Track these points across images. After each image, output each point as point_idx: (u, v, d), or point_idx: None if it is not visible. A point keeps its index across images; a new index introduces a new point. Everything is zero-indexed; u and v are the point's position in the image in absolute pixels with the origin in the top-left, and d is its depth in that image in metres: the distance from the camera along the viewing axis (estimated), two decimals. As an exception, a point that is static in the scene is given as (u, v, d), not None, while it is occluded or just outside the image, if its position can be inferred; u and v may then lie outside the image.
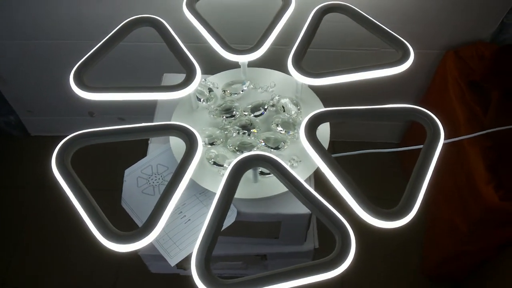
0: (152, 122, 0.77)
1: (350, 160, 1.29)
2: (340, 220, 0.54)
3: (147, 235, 0.53)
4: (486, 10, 0.93)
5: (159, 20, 0.75)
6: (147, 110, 1.22)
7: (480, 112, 0.87)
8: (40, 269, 1.17)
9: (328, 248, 1.15)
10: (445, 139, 0.85)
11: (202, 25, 0.75)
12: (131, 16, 0.76)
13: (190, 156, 0.59)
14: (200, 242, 0.53)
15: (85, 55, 0.72)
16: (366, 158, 1.29)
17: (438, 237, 1.00)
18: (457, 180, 0.90)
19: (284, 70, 0.83)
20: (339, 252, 0.52)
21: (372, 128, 1.34)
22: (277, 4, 0.79)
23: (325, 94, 0.80)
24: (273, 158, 0.58)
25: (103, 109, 1.27)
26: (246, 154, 0.59)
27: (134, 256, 0.86)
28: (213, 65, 0.80)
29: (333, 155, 0.63)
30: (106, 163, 1.21)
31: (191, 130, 0.61)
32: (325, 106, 0.76)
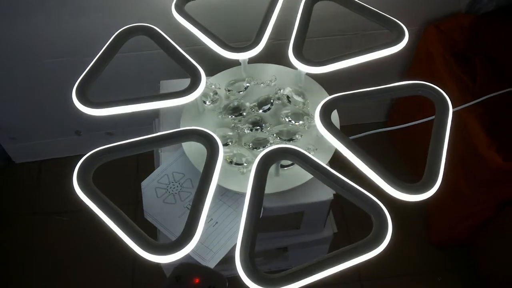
0: (150, 131, 0.75)
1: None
2: (373, 200, 0.55)
3: (187, 244, 0.53)
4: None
5: (152, 28, 0.74)
6: (137, 121, 1.21)
7: (469, 81, 0.91)
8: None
9: (342, 231, 1.17)
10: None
11: (196, 27, 0.75)
12: (115, 30, 0.74)
13: (214, 159, 0.59)
14: (242, 240, 0.53)
15: (84, 72, 0.70)
16: (358, 140, 1.33)
17: (442, 205, 1.03)
18: (455, 148, 0.93)
19: (281, 63, 0.84)
20: (378, 230, 0.53)
21: (358, 111, 1.36)
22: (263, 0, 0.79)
23: (321, 80, 0.81)
24: (296, 149, 0.59)
25: (90, 127, 1.24)
26: (269, 148, 0.59)
27: (149, 268, 0.85)
28: (211, 66, 0.80)
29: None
30: (114, 180, 1.19)
31: (210, 134, 0.61)
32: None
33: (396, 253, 1.18)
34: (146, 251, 0.52)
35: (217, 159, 0.59)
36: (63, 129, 1.22)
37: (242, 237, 0.53)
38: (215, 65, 0.80)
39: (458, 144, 0.93)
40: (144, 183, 0.70)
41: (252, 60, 0.79)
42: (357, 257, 0.52)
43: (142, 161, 1.27)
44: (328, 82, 0.93)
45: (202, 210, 0.55)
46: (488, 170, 0.82)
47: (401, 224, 1.17)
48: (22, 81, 1.05)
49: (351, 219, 1.20)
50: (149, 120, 0.95)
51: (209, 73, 0.82)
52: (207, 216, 0.66)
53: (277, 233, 0.80)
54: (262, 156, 0.59)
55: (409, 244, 1.18)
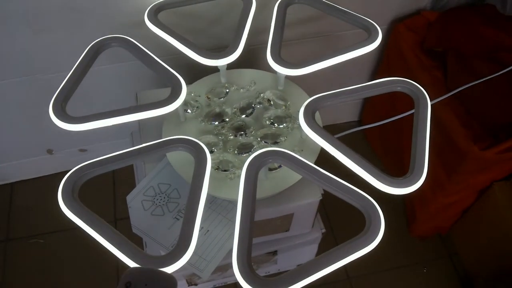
0: (127, 145, 0.74)
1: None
2: (364, 196, 0.56)
3: (184, 255, 0.52)
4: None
5: (128, 39, 0.73)
6: (111, 135, 1.18)
7: (440, 75, 0.94)
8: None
9: (331, 229, 1.18)
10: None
11: (171, 36, 0.74)
12: (85, 43, 0.72)
13: (202, 167, 0.59)
14: (238, 246, 0.52)
15: (59, 87, 0.68)
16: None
17: (422, 197, 1.06)
18: (434, 140, 0.96)
19: (260, 67, 0.84)
20: (371, 226, 0.54)
21: (333, 111, 1.38)
22: (238, 5, 0.79)
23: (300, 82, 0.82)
24: (285, 151, 0.59)
25: (62, 144, 1.20)
26: (257, 152, 0.59)
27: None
28: (189, 74, 0.79)
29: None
30: (97, 196, 1.15)
31: (197, 142, 0.61)
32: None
33: (380, 248, 1.21)
34: (141, 264, 0.51)
35: (205, 167, 0.59)
36: (34, 148, 1.18)
37: (238, 243, 0.53)
38: (193, 73, 0.80)
39: (435, 137, 0.95)
40: (129, 197, 0.69)
41: (230, 66, 0.79)
42: (354, 252, 0.52)
43: (118, 176, 1.24)
44: (305, 85, 0.94)
45: (195, 220, 0.54)
46: (466, 160, 0.85)
47: (385, 220, 1.21)
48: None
49: (334, 218, 1.21)
50: (124, 133, 0.94)
51: (188, 82, 0.81)
52: (198, 225, 0.66)
53: (267, 237, 0.80)
54: (251, 161, 0.59)
55: (392, 239, 1.20)
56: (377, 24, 1.08)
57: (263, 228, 0.76)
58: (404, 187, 0.58)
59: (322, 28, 1.04)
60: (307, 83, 0.93)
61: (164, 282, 0.48)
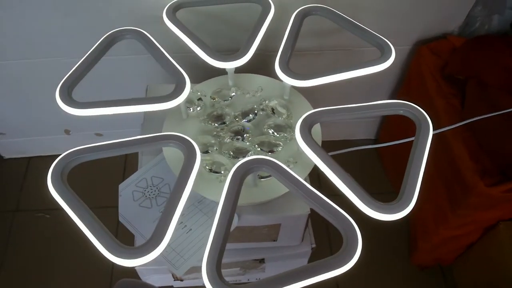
0: (138, 134, 0.76)
1: (335, 158, 1.32)
2: (344, 216, 0.55)
3: (156, 249, 0.52)
4: (453, 4, 0.97)
5: (142, 32, 0.75)
6: (126, 123, 1.21)
7: (458, 103, 0.91)
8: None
9: (324, 246, 1.17)
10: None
11: (185, 34, 0.75)
12: (106, 32, 0.75)
13: (190, 165, 0.59)
14: (209, 250, 0.53)
15: (69, 72, 0.70)
16: (345, 156, 1.33)
17: (425, 226, 1.03)
18: (440, 169, 0.93)
19: (269, 74, 0.85)
20: (347, 247, 0.53)
21: (348, 127, 1.37)
22: (256, 10, 0.80)
23: (305, 96, 0.81)
24: (273, 161, 0.59)
25: (79, 126, 1.24)
26: (246, 159, 0.59)
27: (127, 273, 0.84)
28: (199, 73, 0.80)
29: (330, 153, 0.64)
30: (96, 181, 1.18)
31: (188, 140, 0.61)
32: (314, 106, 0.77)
33: (378, 271, 1.19)
34: (113, 254, 0.52)
35: (193, 164, 0.59)
36: (52, 127, 1.22)
37: (211, 247, 0.53)
38: (204, 73, 0.80)
39: (443, 166, 0.93)
40: (121, 186, 0.70)
41: (240, 70, 0.79)
42: (325, 272, 0.51)
43: (130, 165, 1.27)
44: (319, 96, 0.93)
45: (173, 214, 0.55)
46: (471, 195, 0.82)
47: (385, 242, 1.19)
48: (13, 78, 1.06)
49: (335, 236, 1.19)
50: (138, 123, 0.96)
51: (197, 80, 0.82)
52: (181, 223, 0.67)
53: (254, 244, 0.79)
54: (239, 166, 0.59)
55: (391, 263, 1.18)
56: (402, 44, 1.07)
57: (250, 234, 0.76)
58: (389, 214, 0.56)
59: (342, 41, 1.02)
60: (320, 96, 0.93)
61: None
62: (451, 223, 0.93)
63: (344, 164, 1.30)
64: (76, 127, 1.24)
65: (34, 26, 0.93)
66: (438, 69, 0.97)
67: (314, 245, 0.84)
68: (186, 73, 0.70)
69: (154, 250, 0.53)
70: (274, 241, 0.78)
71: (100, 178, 1.18)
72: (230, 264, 0.83)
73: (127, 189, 0.70)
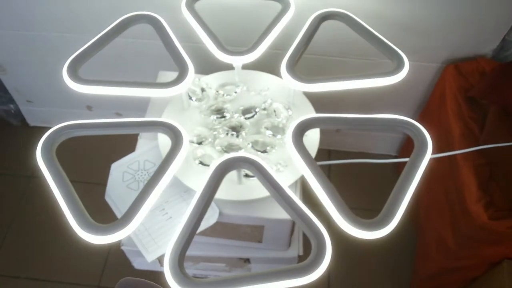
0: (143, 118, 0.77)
1: (346, 170, 1.29)
2: (317, 226, 0.53)
3: (124, 228, 0.53)
4: (488, 26, 0.92)
5: (156, 18, 0.76)
6: (145, 106, 1.23)
7: (476, 128, 0.86)
8: (23, 260, 1.17)
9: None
10: (438, 152, 0.86)
11: (199, 24, 0.75)
12: (132, 12, 0.76)
13: (175, 152, 0.60)
14: (176, 240, 0.53)
15: (80, 48, 0.73)
16: (363, 169, 1.29)
17: (428, 251, 0.98)
18: (448, 194, 0.89)
19: (279, 74, 0.83)
20: (314, 257, 0.51)
21: (369, 139, 1.33)
22: (277, 9, 0.79)
23: (322, 102, 0.79)
24: (256, 161, 0.58)
25: (101, 104, 1.27)
26: (230, 154, 0.59)
27: (119, 253, 0.86)
28: (209, 65, 0.80)
29: (320, 162, 0.62)
30: (98, 156, 1.22)
31: (177, 128, 0.62)
32: (321, 112, 0.75)
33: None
34: (83, 229, 0.53)
35: (178, 152, 0.59)
36: (76, 101, 1.26)
37: (178, 237, 0.53)
38: (213, 65, 0.81)
39: (450, 191, 0.88)
40: (114, 165, 0.72)
41: (251, 67, 0.79)
42: (286, 279, 0.50)
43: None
44: (337, 103, 0.91)
45: (147, 197, 0.55)
46: (474, 227, 0.78)
47: (387, 265, 1.14)
48: (45, 49, 1.10)
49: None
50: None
51: (206, 72, 0.82)
52: (163, 209, 0.67)
53: (239, 242, 0.79)
54: (222, 161, 0.58)
55: (390, 285, 1.14)
56: (430, 61, 1.03)
57: (233, 231, 0.75)
58: (364, 230, 0.54)
59: (366, 51, 1.00)
60: (340, 102, 0.91)
61: None
62: (453, 253, 0.88)
63: (359, 177, 1.27)
64: (97, 105, 1.27)
65: (67, 3, 0.97)
66: (462, 90, 0.92)
67: (301, 253, 0.82)
68: (196, 64, 0.71)
69: (123, 230, 0.53)
70: (259, 242, 0.77)
71: (103, 155, 1.21)
72: (215, 258, 0.83)
73: (118, 169, 0.71)
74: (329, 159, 1.32)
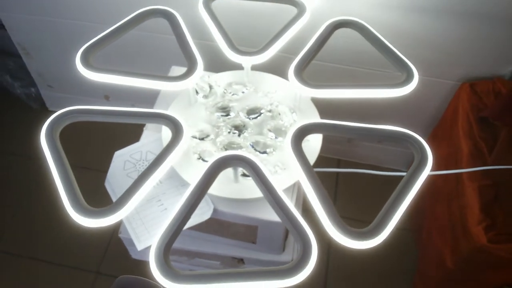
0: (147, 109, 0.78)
1: (353, 181, 1.27)
2: (304, 230, 0.53)
3: (116, 213, 0.54)
4: (507, 47, 0.90)
5: (172, 13, 0.77)
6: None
7: (485, 149, 0.85)
8: (28, 239, 1.20)
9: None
10: (443, 169, 0.84)
11: (213, 23, 0.77)
12: (150, 6, 0.78)
13: (173, 144, 0.61)
14: (163, 231, 0.53)
15: (96, 37, 0.75)
16: (371, 181, 1.28)
17: (428, 270, 0.97)
18: (451, 214, 0.87)
19: (288, 78, 0.84)
20: (298, 260, 0.51)
21: (380, 153, 1.31)
22: (293, 13, 0.79)
23: (331, 109, 0.79)
24: (252, 160, 0.58)
25: (118, 94, 1.30)
26: (228, 152, 0.59)
27: (120, 241, 0.87)
28: (219, 64, 0.81)
29: (316, 169, 0.62)
30: (103, 144, 1.24)
31: (178, 120, 0.63)
32: (327, 119, 0.75)
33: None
34: (76, 212, 0.54)
35: (177, 144, 0.60)
36: (94, 90, 1.29)
37: (166, 228, 0.54)
38: (224, 64, 0.81)
39: (453, 211, 0.87)
40: (117, 153, 0.73)
41: (261, 68, 0.79)
42: (268, 280, 0.50)
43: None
44: (346, 111, 0.90)
45: (142, 186, 0.56)
46: (471, 247, 0.76)
47: (387, 281, 1.12)
48: (67, 36, 1.14)
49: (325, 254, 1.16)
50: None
51: (216, 70, 0.83)
52: (159, 200, 0.68)
53: (234, 241, 0.79)
54: (218, 158, 0.59)
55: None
56: (446, 78, 1.01)
57: (227, 229, 0.75)
58: (353, 240, 0.53)
59: (378, 62, 0.99)
60: (349, 109, 0.90)
61: None
62: (451, 274, 0.86)
63: (366, 189, 1.25)
64: (115, 95, 1.30)
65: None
66: (475, 110, 0.90)
67: (295, 258, 0.81)
68: (207, 61, 0.72)
69: (115, 214, 0.54)
70: (253, 243, 0.78)
71: (109, 143, 1.24)
72: (209, 255, 0.83)
73: (121, 157, 0.72)
74: (338, 167, 1.31)
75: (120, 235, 0.80)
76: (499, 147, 0.84)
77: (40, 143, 0.61)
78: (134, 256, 0.91)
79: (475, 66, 0.96)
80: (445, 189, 0.91)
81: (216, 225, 0.73)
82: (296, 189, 0.71)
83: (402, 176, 0.61)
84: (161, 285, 0.50)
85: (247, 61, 0.73)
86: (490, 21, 0.85)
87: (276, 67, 0.81)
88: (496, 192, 0.79)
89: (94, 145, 1.31)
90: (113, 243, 1.18)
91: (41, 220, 1.23)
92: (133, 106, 1.32)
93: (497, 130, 0.86)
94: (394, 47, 0.73)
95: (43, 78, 1.30)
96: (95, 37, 0.82)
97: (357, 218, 0.89)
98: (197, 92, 0.76)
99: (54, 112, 0.64)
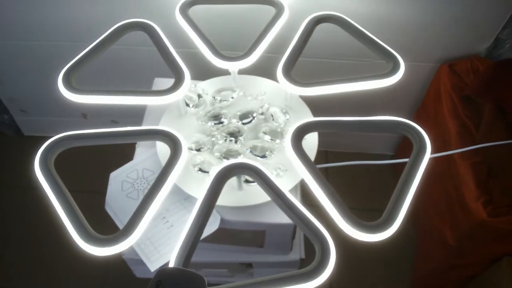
0: (140, 126, 0.77)
1: (343, 170, 1.29)
2: (320, 231, 0.53)
3: (126, 239, 0.53)
4: (481, 25, 0.93)
5: (151, 25, 0.76)
6: (141, 113, 1.22)
7: (472, 127, 0.87)
8: (23, 272, 1.16)
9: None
10: (435, 152, 0.86)
11: (194, 31, 0.75)
12: (125, 20, 0.76)
13: (174, 161, 0.59)
14: (179, 249, 0.52)
15: (75, 57, 0.72)
16: (360, 169, 1.30)
17: (428, 250, 0.99)
18: (447, 193, 0.89)
19: (276, 77, 0.83)
20: (318, 263, 0.51)
21: (366, 139, 1.33)
22: (271, 12, 0.79)
23: (318, 104, 0.80)
24: (257, 167, 0.58)
25: (96, 111, 1.27)
26: (230, 161, 0.58)
27: (120, 261, 0.85)
28: (205, 71, 0.80)
29: (318, 166, 0.62)
30: (96, 165, 1.21)
31: (175, 135, 0.61)
32: (317, 116, 0.75)
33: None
34: (85, 241, 0.52)
35: (177, 160, 0.59)
36: (71, 110, 1.25)
37: (181, 245, 0.53)
38: (209, 71, 0.80)
39: (448, 190, 0.89)
40: (113, 174, 0.71)
41: (247, 71, 0.78)
42: (293, 285, 0.50)
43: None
44: (333, 105, 0.91)
45: (149, 207, 0.55)
46: (472, 223, 0.78)
47: (388, 264, 1.14)
48: (38, 59, 1.10)
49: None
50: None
51: (202, 78, 0.82)
52: (164, 218, 0.67)
53: (241, 247, 0.79)
54: (222, 168, 0.58)
55: (393, 286, 1.14)
56: (424, 60, 1.04)
57: (235, 237, 0.75)
58: (367, 233, 0.54)
59: (361, 52, 1.00)
60: (333, 104, 0.90)
61: (193, 282, 0.49)
62: (453, 251, 0.89)
63: (356, 177, 1.27)
64: (93, 112, 1.27)
65: (59, 12, 0.96)
66: (457, 89, 0.92)
67: (303, 257, 0.82)
68: (192, 70, 0.70)
69: (125, 241, 0.53)
70: (260, 247, 0.77)
71: (101, 163, 1.21)
72: (217, 264, 0.83)
73: (117, 178, 0.70)
74: (326, 160, 1.32)
75: (124, 257, 0.78)
76: (485, 124, 0.87)
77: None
78: (138, 275, 0.90)
79: (451, 47, 0.98)
80: (437, 170, 0.93)
81: (223, 234, 0.73)
82: (298, 189, 0.72)
83: (392, 163, 0.61)
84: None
85: (234, 66, 0.72)
86: (463, 1, 0.87)
87: (261, 68, 0.81)
88: (488, 168, 0.81)
89: (85, 167, 1.27)
90: (112, 264, 1.15)
91: (33, 249, 1.19)
92: (113, 122, 1.30)
93: (481, 107, 0.89)
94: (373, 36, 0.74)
95: (15, 103, 1.25)
96: (71, 56, 0.79)
97: (353, 207, 0.91)
98: (186, 104, 0.74)
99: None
